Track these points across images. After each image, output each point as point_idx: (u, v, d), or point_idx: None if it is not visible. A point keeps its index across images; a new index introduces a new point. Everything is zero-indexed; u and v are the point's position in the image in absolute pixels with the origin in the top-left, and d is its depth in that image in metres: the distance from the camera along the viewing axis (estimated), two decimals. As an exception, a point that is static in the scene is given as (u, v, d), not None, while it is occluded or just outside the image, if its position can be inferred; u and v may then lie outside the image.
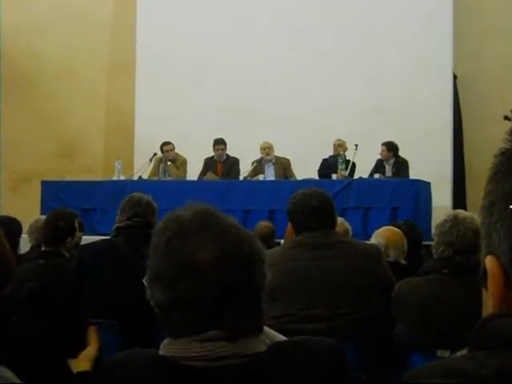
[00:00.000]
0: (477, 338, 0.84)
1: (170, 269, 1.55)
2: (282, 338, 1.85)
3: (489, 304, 0.86)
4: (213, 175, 10.88)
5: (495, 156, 0.88)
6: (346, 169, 10.27)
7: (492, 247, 0.86)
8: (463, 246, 3.37)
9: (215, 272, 1.53)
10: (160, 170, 11.05)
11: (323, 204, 3.74)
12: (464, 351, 0.85)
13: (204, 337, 1.54)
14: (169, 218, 1.63)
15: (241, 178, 10.81)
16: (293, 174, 10.79)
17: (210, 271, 1.53)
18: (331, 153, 10.81)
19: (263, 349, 1.58)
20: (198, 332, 1.54)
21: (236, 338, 1.55)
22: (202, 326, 1.54)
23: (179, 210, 1.63)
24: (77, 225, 4.83)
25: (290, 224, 3.87)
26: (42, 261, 4.55)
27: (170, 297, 1.54)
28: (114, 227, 4.33)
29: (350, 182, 9.94)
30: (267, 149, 10.80)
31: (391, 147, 10.45)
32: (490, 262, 0.85)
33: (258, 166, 10.79)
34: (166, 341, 1.61)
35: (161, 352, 1.59)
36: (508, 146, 0.87)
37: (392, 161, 10.52)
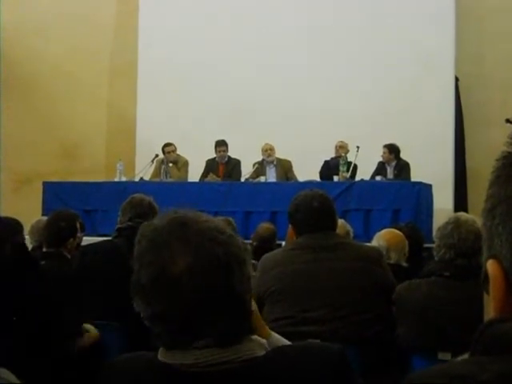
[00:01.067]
0: (478, 343, 0.83)
1: (146, 283, 1.53)
2: (287, 342, 1.84)
3: (490, 308, 0.86)
4: (214, 177, 10.87)
5: (497, 160, 0.88)
6: (348, 171, 10.26)
7: (493, 251, 0.85)
8: (465, 248, 3.36)
9: (189, 282, 1.50)
10: (161, 171, 11.05)
11: (324, 206, 3.74)
12: (465, 355, 0.85)
13: (199, 345, 1.52)
14: (144, 227, 1.61)
15: (242, 179, 10.80)
16: (294, 175, 10.79)
17: (183, 282, 1.50)
18: (333, 155, 10.80)
19: (261, 352, 1.56)
20: (189, 343, 1.53)
21: (228, 343, 1.53)
22: (189, 337, 1.52)
23: (155, 219, 1.61)
24: (78, 226, 4.83)
25: (291, 226, 3.87)
26: (43, 262, 4.55)
27: (149, 312, 1.53)
28: (116, 228, 4.33)
29: (352, 184, 9.93)
30: (269, 150, 10.79)
31: (393, 149, 10.44)
32: (491, 265, 0.85)
33: (260, 168, 10.79)
34: (161, 349, 1.59)
35: (159, 357, 1.58)
36: (510, 150, 0.87)
37: (393, 163, 10.51)
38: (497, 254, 0.85)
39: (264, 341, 1.61)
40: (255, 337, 1.60)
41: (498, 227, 0.85)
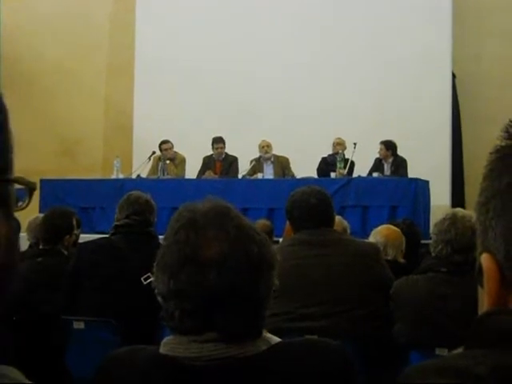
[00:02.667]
0: (473, 336, 0.83)
1: (173, 259, 1.53)
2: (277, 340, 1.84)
3: (484, 301, 0.86)
4: (211, 174, 10.87)
5: (490, 153, 0.88)
6: (345, 167, 10.27)
7: (487, 244, 0.85)
8: (462, 244, 3.37)
9: (219, 270, 1.50)
10: (159, 168, 11.05)
11: (321, 202, 3.73)
12: (460, 349, 0.85)
13: (203, 338, 1.52)
14: (185, 208, 1.61)
15: (239, 176, 10.81)
16: (292, 172, 10.79)
17: (213, 268, 1.50)
18: (330, 151, 10.80)
19: (264, 348, 1.56)
20: (197, 331, 1.53)
21: (234, 340, 1.53)
22: (199, 324, 1.52)
23: (197, 202, 1.61)
24: (74, 222, 4.83)
25: (288, 222, 3.87)
26: (40, 259, 4.55)
27: (170, 287, 1.53)
28: (113, 225, 4.33)
29: (349, 181, 9.94)
30: (266, 147, 10.79)
31: (389, 146, 10.45)
32: (485, 259, 0.84)
33: (257, 165, 10.79)
34: (166, 339, 1.60)
35: (161, 350, 1.59)
36: (503, 144, 0.87)
37: (391, 160, 10.52)
38: (490, 248, 0.85)
39: (274, 338, 1.61)
40: (265, 335, 1.60)
41: (491, 221, 0.84)
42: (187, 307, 1.52)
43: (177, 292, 1.53)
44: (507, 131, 0.87)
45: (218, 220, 1.56)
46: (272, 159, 10.85)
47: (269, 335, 1.61)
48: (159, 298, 1.57)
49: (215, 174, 10.95)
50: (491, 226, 0.84)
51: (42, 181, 10.89)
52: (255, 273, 1.55)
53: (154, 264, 1.58)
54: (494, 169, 0.86)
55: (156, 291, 1.57)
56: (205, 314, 1.52)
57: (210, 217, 1.56)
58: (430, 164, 10.76)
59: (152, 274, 1.60)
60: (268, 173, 10.75)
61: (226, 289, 1.51)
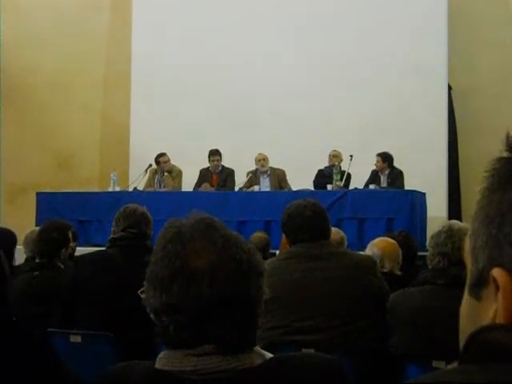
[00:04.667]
0: (468, 351, 0.82)
1: (164, 272, 1.54)
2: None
3: (483, 314, 0.84)
4: (208, 186, 10.87)
5: (495, 163, 0.85)
6: (342, 179, 10.28)
7: (500, 259, 0.83)
8: (458, 257, 3.36)
9: (210, 280, 1.51)
10: (155, 181, 11.06)
11: (316, 214, 3.73)
12: (455, 364, 0.84)
13: (198, 351, 1.53)
14: (169, 223, 1.62)
15: (236, 189, 10.81)
16: (288, 184, 10.80)
17: (204, 278, 1.51)
18: (326, 163, 10.81)
19: (259, 362, 1.56)
20: (192, 344, 1.53)
21: (230, 352, 1.53)
22: (195, 336, 1.52)
23: (182, 217, 1.63)
24: (70, 235, 4.82)
25: (284, 235, 3.87)
26: (36, 273, 4.54)
27: (163, 301, 1.53)
28: (109, 238, 4.32)
29: (346, 193, 9.94)
30: (262, 161, 10.80)
31: (386, 158, 10.47)
32: (500, 274, 0.82)
33: (253, 177, 10.80)
34: (161, 354, 1.59)
35: (157, 365, 1.58)
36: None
37: (387, 171, 10.54)
38: (505, 263, 0.82)
39: (266, 353, 1.61)
40: (257, 348, 1.60)
41: (508, 236, 0.82)
42: (181, 319, 1.53)
43: (170, 305, 1.53)
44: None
45: (205, 232, 1.57)
46: (268, 172, 10.86)
47: (262, 351, 1.61)
48: (151, 314, 1.57)
49: (212, 186, 10.95)
50: (507, 241, 0.82)
51: (38, 194, 10.91)
52: (245, 280, 1.56)
53: (145, 280, 1.59)
54: (506, 181, 0.84)
55: (148, 308, 1.58)
56: (199, 325, 1.52)
57: (196, 229, 1.58)
58: (426, 176, 10.77)
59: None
60: (264, 185, 10.75)
61: (218, 298, 1.51)
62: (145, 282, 1.59)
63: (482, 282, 0.86)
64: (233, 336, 1.54)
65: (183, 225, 1.59)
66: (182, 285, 1.52)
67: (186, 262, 1.53)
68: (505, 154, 0.86)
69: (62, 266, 4.59)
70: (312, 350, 3.27)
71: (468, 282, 0.88)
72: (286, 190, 10.60)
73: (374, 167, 10.59)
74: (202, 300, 1.51)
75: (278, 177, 10.82)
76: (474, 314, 0.86)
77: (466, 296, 0.89)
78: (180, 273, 1.52)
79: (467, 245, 0.91)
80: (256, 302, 1.58)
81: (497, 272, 0.83)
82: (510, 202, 0.82)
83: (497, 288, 0.83)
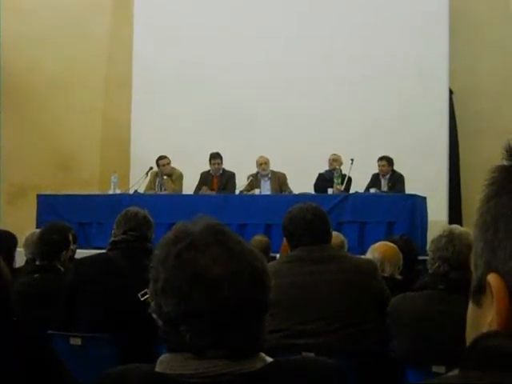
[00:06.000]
0: (468, 358, 0.82)
1: (182, 281, 1.52)
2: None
3: (481, 321, 0.85)
4: (208, 190, 10.86)
5: (495, 171, 0.86)
6: (342, 183, 10.27)
7: (495, 264, 0.84)
8: (459, 261, 3.36)
9: (230, 286, 1.51)
10: (156, 183, 11.05)
11: (317, 218, 3.74)
12: (456, 371, 0.84)
13: (202, 355, 1.52)
14: (178, 229, 1.59)
15: (237, 192, 10.81)
16: (289, 188, 10.79)
17: (225, 285, 1.51)
18: (327, 167, 10.81)
19: (259, 366, 1.56)
20: (202, 349, 1.53)
21: (237, 357, 1.53)
22: (207, 342, 1.52)
23: (188, 222, 1.61)
24: (71, 238, 4.82)
25: (285, 239, 3.87)
26: (37, 275, 4.54)
27: (182, 310, 1.52)
28: (110, 241, 4.32)
29: (346, 197, 9.95)
30: (263, 164, 10.80)
31: (391, 162, 10.48)
32: (494, 279, 0.83)
33: (254, 181, 10.79)
34: (162, 357, 1.59)
35: (157, 368, 1.58)
36: (509, 163, 0.86)
37: (388, 175, 10.54)
38: (499, 269, 0.83)
39: (269, 358, 1.61)
40: (262, 354, 1.60)
41: (501, 242, 0.83)
42: (201, 327, 1.52)
43: (189, 314, 1.52)
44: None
45: (218, 237, 1.56)
46: (269, 175, 10.85)
47: (264, 355, 1.61)
48: (162, 322, 1.55)
49: (212, 189, 10.94)
50: (501, 247, 0.83)
51: (39, 196, 10.90)
52: (262, 287, 1.57)
53: (152, 289, 1.57)
54: (502, 188, 0.85)
55: (156, 315, 1.56)
56: (218, 333, 1.52)
57: (208, 235, 1.56)
58: (427, 180, 10.77)
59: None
60: (265, 188, 10.74)
61: (238, 305, 1.51)
62: (151, 289, 1.57)
63: (481, 289, 0.86)
64: (245, 342, 1.54)
65: (194, 231, 1.57)
66: (203, 293, 1.51)
67: (206, 269, 1.51)
68: (505, 163, 0.86)
69: (63, 269, 4.59)
70: (312, 354, 3.27)
71: (471, 289, 0.88)
72: (286, 193, 10.60)
73: (375, 171, 10.59)
74: (223, 307, 1.51)
75: (279, 180, 10.81)
76: (476, 321, 0.86)
77: (470, 304, 0.90)
78: (200, 281, 1.51)
79: (472, 253, 0.92)
80: (267, 306, 1.60)
81: (491, 277, 0.83)
82: (503, 208, 0.83)
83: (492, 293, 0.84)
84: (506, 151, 0.86)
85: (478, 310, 0.87)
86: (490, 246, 0.84)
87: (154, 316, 1.57)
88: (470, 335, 0.86)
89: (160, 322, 1.57)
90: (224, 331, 1.52)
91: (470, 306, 0.89)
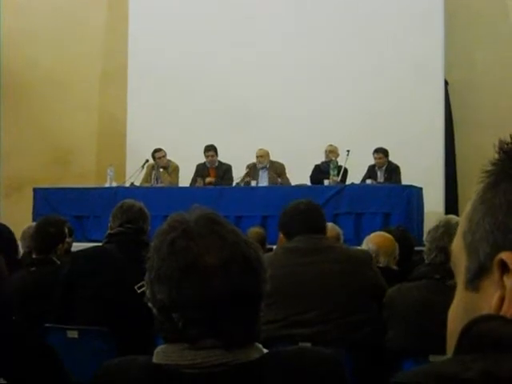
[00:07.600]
0: (462, 341, 0.82)
1: (174, 269, 1.52)
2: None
3: (483, 304, 0.84)
4: (202, 182, 10.83)
5: (500, 158, 0.87)
6: (338, 175, 10.27)
7: (508, 245, 0.83)
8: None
9: (222, 275, 1.51)
10: (152, 176, 11.05)
11: (311, 209, 3.76)
12: (449, 356, 0.84)
13: (197, 345, 1.53)
14: (173, 219, 1.60)
15: (233, 184, 10.81)
16: (287, 178, 10.78)
17: (217, 274, 1.51)
18: (323, 159, 10.81)
19: (256, 357, 1.57)
20: (196, 338, 1.53)
21: (232, 347, 1.53)
22: (200, 330, 1.52)
23: (183, 212, 1.61)
24: (66, 231, 4.82)
25: (281, 234, 3.88)
26: (33, 268, 4.54)
27: (174, 297, 1.52)
28: (106, 234, 4.32)
29: (342, 188, 9.95)
30: (260, 157, 10.78)
31: (387, 153, 10.49)
32: (510, 256, 0.83)
33: (251, 171, 10.79)
34: (159, 348, 1.59)
35: (154, 359, 1.58)
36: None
37: (384, 167, 10.54)
38: None
39: (264, 349, 1.62)
40: (258, 344, 1.60)
41: None
42: (192, 315, 1.52)
43: (180, 301, 1.52)
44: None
45: (212, 227, 1.57)
46: (267, 166, 10.84)
47: (261, 346, 1.61)
48: (156, 310, 1.56)
49: (210, 181, 10.91)
50: None
51: (35, 189, 10.89)
52: (255, 276, 1.56)
53: (147, 277, 1.58)
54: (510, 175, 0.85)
55: (151, 304, 1.57)
56: (210, 321, 1.52)
57: (203, 224, 1.57)
58: (423, 170, 10.77)
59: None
60: (263, 179, 10.73)
61: (230, 294, 1.51)
62: (147, 278, 1.58)
63: (482, 273, 0.85)
64: (239, 331, 1.54)
65: (188, 220, 1.58)
66: (195, 281, 1.51)
67: (198, 257, 1.52)
68: (501, 156, 0.87)
69: (59, 262, 4.59)
70: (308, 344, 3.28)
71: (463, 279, 0.88)
72: (284, 184, 10.59)
73: (371, 162, 10.59)
74: (215, 296, 1.51)
75: (277, 170, 10.80)
76: (472, 306, 0.86)
77: (459, 295, 0.90)
78: (192, 269, 1.52)
79: (459, 245, 0.92)
80: (262, 296, 1.59)
81: (506, 254, 0.83)
82: None
83: (502, 273, 0.83)
84: (499, 148, 0.87)
85: (475, 294, 0.86)
86: (501, 226, 0.84)
87: (149, 304, 1.58)
88: (458, 326, 0.85)
89: (154, 311, 1.57)
90: (216, 320, 1.52)
91: (462, 292, 0.89)
